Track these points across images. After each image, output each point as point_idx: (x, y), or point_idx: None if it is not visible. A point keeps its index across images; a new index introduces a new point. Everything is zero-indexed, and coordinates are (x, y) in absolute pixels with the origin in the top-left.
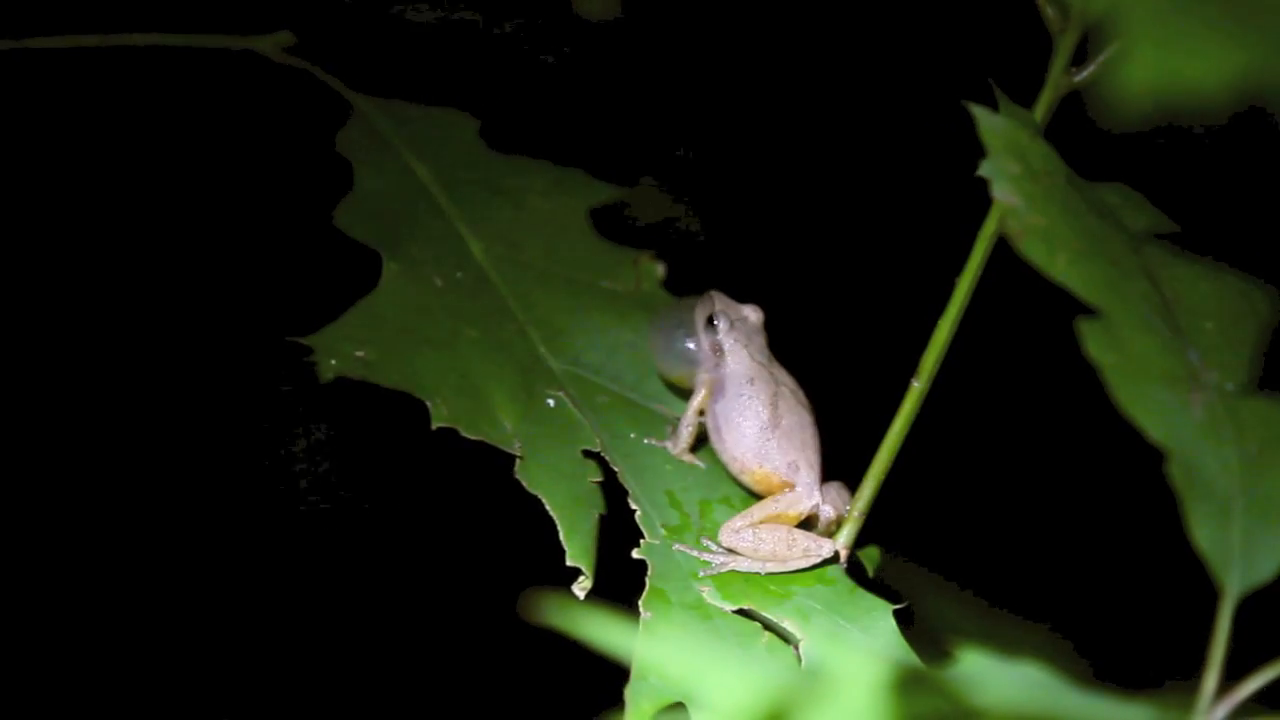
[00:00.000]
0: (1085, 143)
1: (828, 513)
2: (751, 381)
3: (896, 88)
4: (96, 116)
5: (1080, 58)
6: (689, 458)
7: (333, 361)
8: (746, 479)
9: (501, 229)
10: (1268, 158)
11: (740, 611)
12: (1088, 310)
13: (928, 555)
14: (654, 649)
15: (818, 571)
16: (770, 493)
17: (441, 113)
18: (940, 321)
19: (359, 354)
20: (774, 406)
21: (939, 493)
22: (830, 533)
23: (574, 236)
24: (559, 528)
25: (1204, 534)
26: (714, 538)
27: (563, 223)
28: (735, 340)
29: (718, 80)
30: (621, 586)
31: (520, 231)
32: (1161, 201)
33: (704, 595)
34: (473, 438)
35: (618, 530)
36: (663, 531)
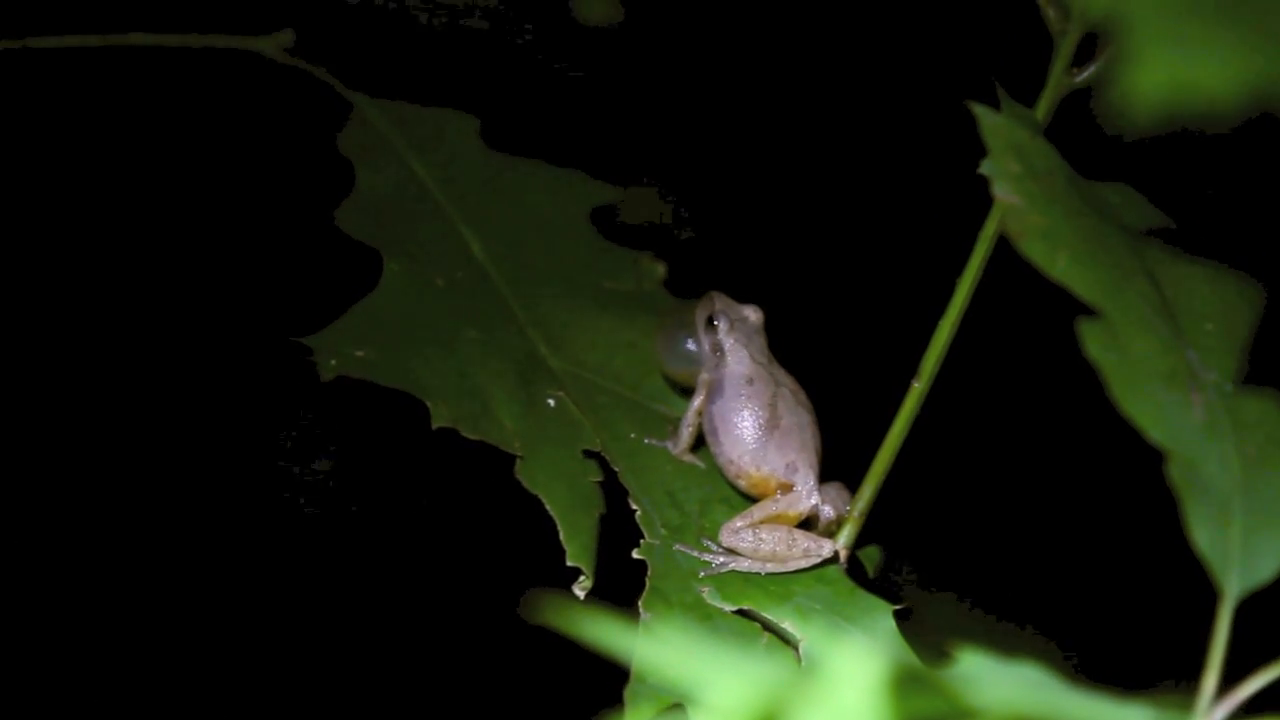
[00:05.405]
0: (1086, 142)
1: (828, 513)
2: (750, 382)
3: (897, 87)
4: (97, 116)
5: (1081, 58)
6: (689, 458)
7: (333, 361)
8: (743, 483)
9: (502, 229)
10: (1271, 157)
11: (740, 612)
12: (1088, 310)
13: (927, 555)
14: (654, 649)
15: (818, 572)
16: (767, 497)
17: (442, 113)
18: (941, 322)
19: (359, 354)
20: (772, 407)
21: (939, 493)
22: (830, 533)
23: (574, 237)
24: (559, 528)
25: (1203, 535)
26: (714, 538)
27: (563, 223)
28: (735, 340)
29: (718, 80)
30: (622, 587)
31: (520, 231)
32: (1162, 201)
33: (704, 595)
34: (473, 438)
35: (618, 530)
36: (663, 531)
